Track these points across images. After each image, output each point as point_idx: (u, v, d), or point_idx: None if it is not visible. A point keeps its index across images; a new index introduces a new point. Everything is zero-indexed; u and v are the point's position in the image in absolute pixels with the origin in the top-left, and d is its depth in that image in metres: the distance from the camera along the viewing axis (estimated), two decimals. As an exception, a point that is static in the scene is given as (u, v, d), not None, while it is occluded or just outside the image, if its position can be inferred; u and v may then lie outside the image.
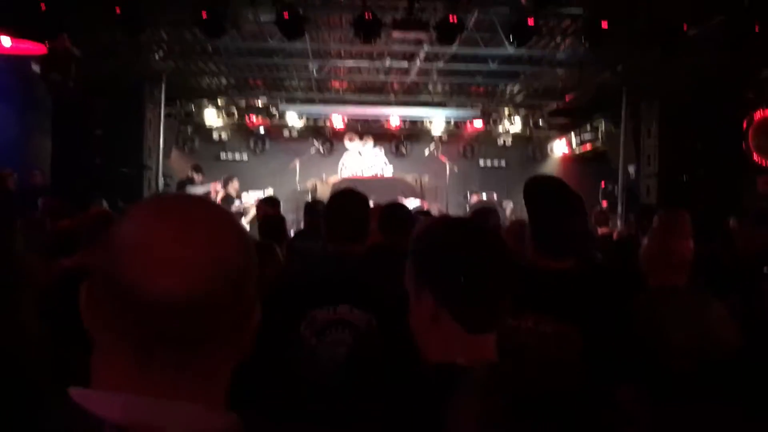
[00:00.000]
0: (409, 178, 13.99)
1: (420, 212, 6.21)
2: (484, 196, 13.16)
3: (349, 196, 3.04)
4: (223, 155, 15.10)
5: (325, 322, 2.68)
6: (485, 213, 5.59)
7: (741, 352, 2.71)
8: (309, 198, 11.89)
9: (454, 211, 13.26)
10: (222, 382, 0.92)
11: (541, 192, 2.60)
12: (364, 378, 2.32)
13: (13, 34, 6.52)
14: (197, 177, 11.97)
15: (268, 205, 7.17)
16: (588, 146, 14.36)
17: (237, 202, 11.21)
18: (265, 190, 11.48)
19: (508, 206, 12.31)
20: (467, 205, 13.40)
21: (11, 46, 6.67)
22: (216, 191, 11.75)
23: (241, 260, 0.89)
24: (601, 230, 8.18)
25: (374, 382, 2.05)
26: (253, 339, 0.95)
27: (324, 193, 12.52)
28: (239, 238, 0.91)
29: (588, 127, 14.25)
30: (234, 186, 11.48)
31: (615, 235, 7.70)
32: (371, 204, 10.64)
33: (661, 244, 3.04)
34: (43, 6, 6.68)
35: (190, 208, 0.90)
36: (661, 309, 2.75)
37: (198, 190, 11.62)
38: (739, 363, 2.63)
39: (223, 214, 0.93)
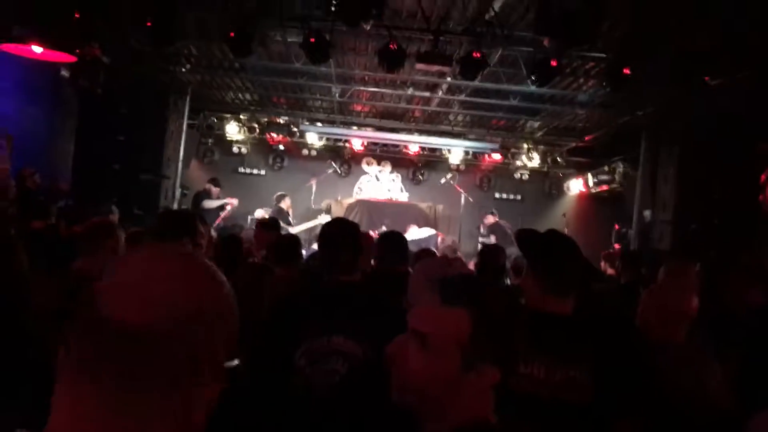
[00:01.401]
0: (424, 205, 14.11)
1: (423, 251, 6.20)
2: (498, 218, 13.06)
3: (340, 227, 3.09)
4: (241, 169, 15.23)
5: (319, 352, 2.71)
6: (494, 253, 5.55)
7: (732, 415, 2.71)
8: (324, 218, 11.99)
9: (465, 240, 13.25)
10: (190, 419, 0.97)
11: (537, 236, 2.69)
12: (354, 407, 2.39)
13: (45, 43, 6.64)
14: (214, 190, 12.10)
15: (266, 230, 6.29)
16: (604, 187, 14.33)
17: (290, 220, 11.73)
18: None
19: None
20: (481, 226, 13.28)
21: (42, 53, 6.79)
22: (232, 205, 11.90)
23: (205, 304, 0.97)
24: (609, 271, 8.14)
25: (365, 413, 2.09)
26: (220, 380, 1.01)
27: (338, 213, 12.73)
28: (210, 286, 1.00)
29: (606, 168, 14.22)
30: (287, 203, 11.92)
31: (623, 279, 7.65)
32: (383, 228, 10.61)
33: (662, 298, 3.01)
34: (76, 14, 6.81)
35: (168, 257, 1.02)
36: (657, 365, 2.75)
37: (213, 204, 11.75)
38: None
39: (198, 265, 1.02)
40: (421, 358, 1.42)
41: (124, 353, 0.91)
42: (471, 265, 9.01)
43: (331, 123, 14.36)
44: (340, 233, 3.01)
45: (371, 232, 9.42)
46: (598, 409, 2.33)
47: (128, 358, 0.91)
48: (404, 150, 14.93)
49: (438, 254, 9.05)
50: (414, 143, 14.59)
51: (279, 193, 12.07)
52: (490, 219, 12.85)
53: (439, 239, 11.88)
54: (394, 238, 4.55)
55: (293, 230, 11.29)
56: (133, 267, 0.99)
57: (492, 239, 12.06)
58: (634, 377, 2.45)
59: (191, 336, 0.94)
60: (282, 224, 11.38)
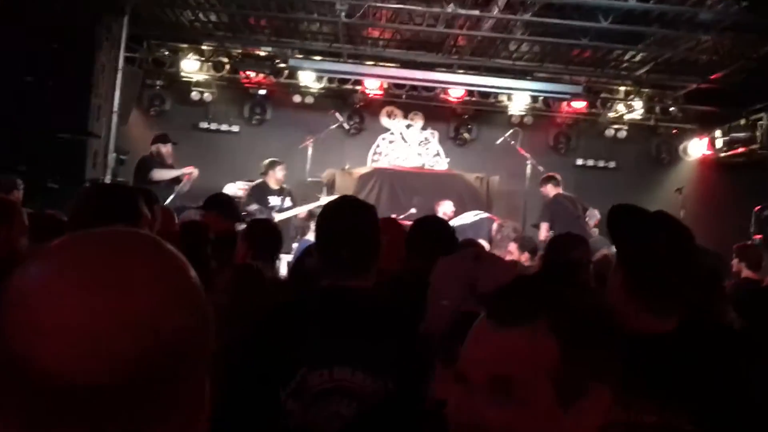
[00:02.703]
0: (472, 176, 14.06)
1: (468, 241, 6.17)
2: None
3: (348, 209, 3.13)
4: (204, 124, 15.22)
5: (317, 390, 2.74)
6: (563, 243, 5.54)
7: None
8: (324, 195, 12.11)
9: (533, 230, 13.07)
10: None
11: (637, 220, 2.70)
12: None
13: None
14: (165, 152, 11.96)
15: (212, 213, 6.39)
16: (740, 149, 14.21)
17: (274, 200, 11.73)
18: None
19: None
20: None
21: None
22: (190, 177, 11.81)
23: (178, 327, 0.95)
24: (745, 273, 8.08)
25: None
26: (202, 419, 1.03)
27: (345, 188, 12.78)
28: (180, 297, 0.97)
29: (742, 122, 14.10)
30: (276, 175, 11.80)
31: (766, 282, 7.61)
32: (412, 210, 10.41)
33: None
34: None
35: (111, 255, 0.96)
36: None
37: (165, 174, 11.68)
38: None
39: (163, 261, 0.99)
40: (503, 411, 1.40)
41: (49, 406, 0.89)
42: (522, 258, 8.87)
43: (336, 56, 14.21)
44: (345, 220, 3.04)
45: (393, 216, 9.34)
46: None
47: (56, 412, 0.89)
48: (443, 96, 14.85)
49: (491, 247, 8.98)
50: (457, 86, 14.51)
51: (269, 160, 12.06)
52: (549, 189, 11.95)
53: (494, 225, 11.66)
54: (431, 227, 4.57)
55: (280, 216, 11.34)
56: (63, 276, 0.93)
57: (543, 230, 11.30)
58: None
59: (156, 382, 0.92)
60: (254, 207, 11.30)
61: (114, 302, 0.91)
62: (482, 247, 7.19)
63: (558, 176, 12.21)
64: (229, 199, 6.93)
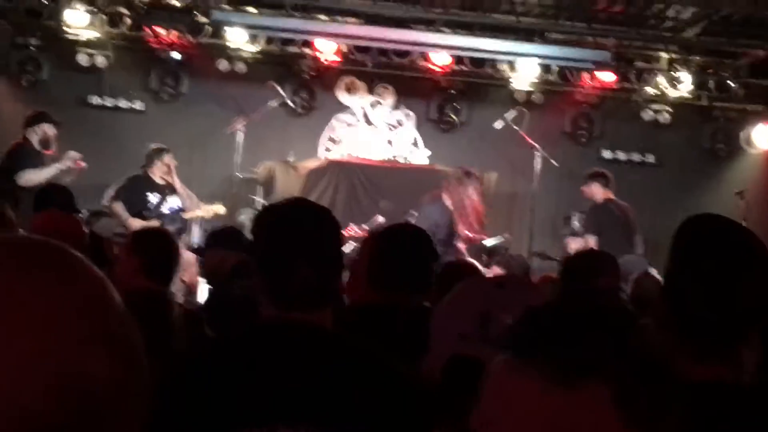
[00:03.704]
0: (460, 173, 13.85)
1: (459, 264, 6.41)
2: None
3: (303, 215, 3.26)
4: (95, 99, 15.27)
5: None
6: (593, 267, 5.71)
7: None
8: (260, 197, 13.20)
9: (545, 239, 14.03)
10: None
11: (693, 234, 2.85)
12: None
13: None
14: (51, 134, 12.09)
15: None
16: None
17: (154, 199, 12.18)
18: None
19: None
20: (573, 218, 13.34)
21: None
22: (76, 168, 11.95)
23: (97, 374, 0.99)
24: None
25: None
26: None
27: (289, 187, 13.12)
28: (98, 330, 1.02)
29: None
30: (161, 168, 12.37)
31: None
32: (379, 219, 10.56)
33: None
34: None
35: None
36: None
37: (46, 172, 11.69)
38: None
39: (76, 282, 1.04)
40: None
41: None
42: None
43: (277, 8, 14.48)
44: (301, 228, 3.14)
45: (354, 228, 9.00)
46: None
47: None
48: (422, 63, 15.02)
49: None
50: (442, 49, 14.66)
51: (155, 147, 12.51)
52: (596, 191, 12.39)
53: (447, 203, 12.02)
54: (404, 240, 4.64)
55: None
56: None
57: (591, 241, 11.92)
58: None
59: None
60: (110, 216, 11.17)
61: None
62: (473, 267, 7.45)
63: (609, 175, 12.55)
64: (64, 189, 7.06)
